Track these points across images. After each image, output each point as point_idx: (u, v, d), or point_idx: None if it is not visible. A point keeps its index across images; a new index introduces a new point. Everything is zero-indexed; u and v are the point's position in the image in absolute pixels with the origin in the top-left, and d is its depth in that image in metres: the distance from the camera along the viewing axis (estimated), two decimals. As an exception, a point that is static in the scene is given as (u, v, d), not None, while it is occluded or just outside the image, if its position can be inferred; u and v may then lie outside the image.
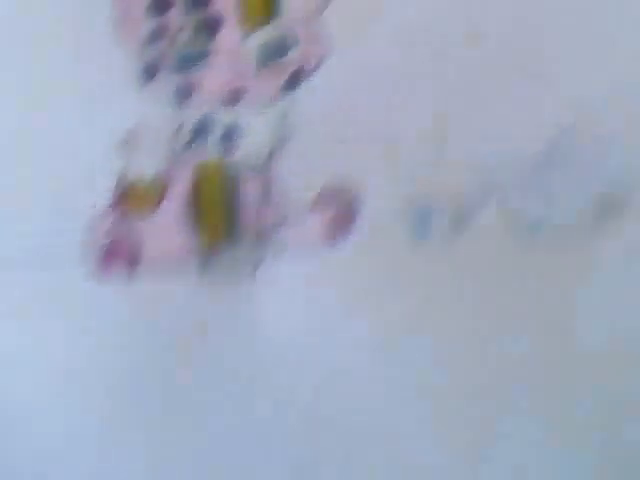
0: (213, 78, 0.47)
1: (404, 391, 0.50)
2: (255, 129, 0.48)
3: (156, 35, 0.46)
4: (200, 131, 0.47)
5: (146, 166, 0.47)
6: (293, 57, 0.47)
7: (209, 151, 0.47)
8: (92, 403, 0.49)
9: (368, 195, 0.49)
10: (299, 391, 0.50)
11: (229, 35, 0.46)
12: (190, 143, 0.47)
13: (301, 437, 0.50)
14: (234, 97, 0.47)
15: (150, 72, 0.46)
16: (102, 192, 0.46)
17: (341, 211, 0.49)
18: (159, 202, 0.47)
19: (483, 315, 0.51)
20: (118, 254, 0.47)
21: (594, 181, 0.50)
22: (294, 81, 0.47)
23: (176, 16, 0.46)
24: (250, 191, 0.48)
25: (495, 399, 0.51)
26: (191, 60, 0.46)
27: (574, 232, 0.50)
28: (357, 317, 0.50)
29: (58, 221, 0.46)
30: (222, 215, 0.48)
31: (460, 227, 0.49)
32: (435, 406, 0.51)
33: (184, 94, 0.47)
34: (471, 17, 0.48)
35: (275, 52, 0.47)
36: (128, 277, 0.47)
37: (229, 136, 0.47)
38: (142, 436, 0.50)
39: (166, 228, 0.47)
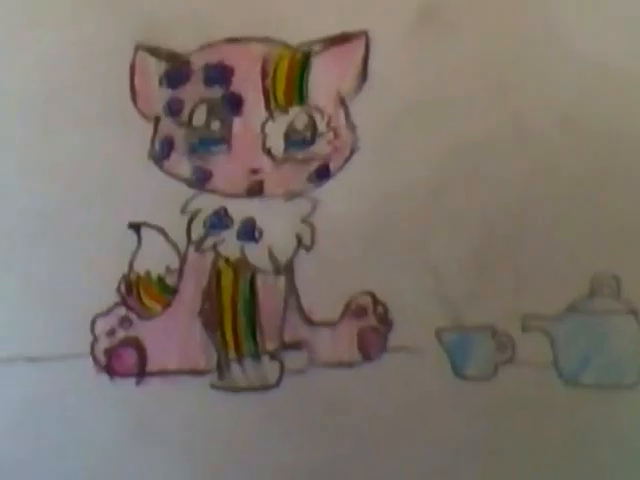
0: (231, 164, 0.42)
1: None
2: (276, 227, 0.43)
3: (171, 109, 0.42)
4: (216, 223, 0.43)
5: (158, 258, 0.43)
6: (319, 149, 0.43)
7: (226, 247, 0.43)
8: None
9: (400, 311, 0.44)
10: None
11: (250, 116, 0.42)
12: (205, 235, 0.43)
13: None
14: (254, 188, 0.43)
15: (165, 149, 0.42)
16: (109, 285, 0.43)
17: (372, 325, 0.44)
18: (170, 301, 0.43)
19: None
20: (125, 356, 0.43)
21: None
22: (319, 177, 0.43)
23: (193, 90, 0.42)
24: (271, 295, 0.44)
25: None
26: (209, 142, 0.42)
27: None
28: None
29: (64, 314, 0.43)
30: (241, 318, 0.44)
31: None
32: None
33: (199, 179, 0.42)
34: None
35: (300, 142, 0.42)
36: (136, 380, 0.44)
37: (247, 231, 0.43)
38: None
39: (178, 329, 0.43)
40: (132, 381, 0.43)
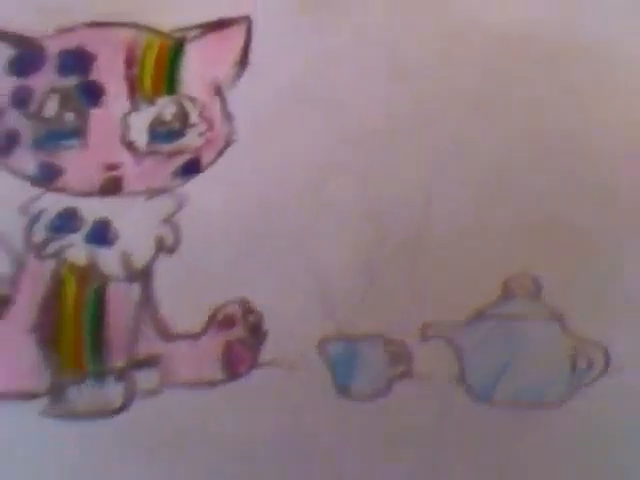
0: (85, 160, 0.37)
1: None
2: (134, 229, 0.38)
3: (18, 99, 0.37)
4: (63, 225, 0.37)
5: None
6: (189, 142, 0.38)
7: (72, 252, 0.37)
8: None
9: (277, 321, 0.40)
10: None
11: (110, 108, 0.37)
12: (49, 239, 0.37)
13: None
14: (110, 186, 0.38)
15: (9, 143, 0.37)
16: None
17: (240, 336, 0.40)
18: (2, 312, 0.37)
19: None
20: None
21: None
22: (187, 172, 0.38)
23: (45, 78, 0.36)
24: (123, 306, 0.38)
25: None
26: (60, 135, 0.37)
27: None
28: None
29: None
30: (85, 334, 0.38)
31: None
32: None
33: (47, 176, 0.37)
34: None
35: (168, 134, 0.38)
36: None
37: (100, 234, 0.38)
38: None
39: (8, 345, 0.37)
40: None
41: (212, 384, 0.39)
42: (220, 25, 0.38)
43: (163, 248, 0.38)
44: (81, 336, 0.38)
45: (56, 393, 0.38)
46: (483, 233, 0.40)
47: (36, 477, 0.39)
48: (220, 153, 0.39)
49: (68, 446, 0.39)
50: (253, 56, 0.38)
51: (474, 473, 0.41)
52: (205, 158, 0.38)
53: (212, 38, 0.38)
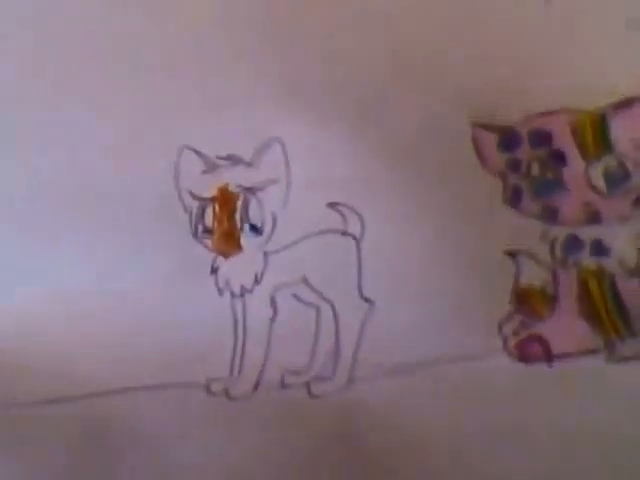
0: (570, 202, 0.55)
1: None
2: (619, 243, 0.55)
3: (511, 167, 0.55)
4: (572, 246, 0.55)
5: (535, 275, 0.57)
6: (635, 183, 0.53)
7: (585, 262, 0.55)
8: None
9: None
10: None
11: (574, 166, 0.54)
12: (566, 256, 0.55)
13: None
14: (592, 218, 0.54)
15: (515, 195, 0.56)
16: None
17: None
18: (554, 305, 0.57)
19: None
20: (533, 348, 0.58)
21: None
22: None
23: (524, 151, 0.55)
24: (631, 292, 0.55)
25: None
26: (547, 186, 0.55)
27: None
28: None
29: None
30: (613, 313, 0.56)
31: None
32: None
33: (549, 215, 0.55)
34: None
35: (617, 180, 0.53)
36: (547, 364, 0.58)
37: (598, 249, 0.55)
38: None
39: (568, 327, 0.57)
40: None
41: None
42: (626, 103, 0.53)
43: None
44: (611, 312, 0.56)
45: (610, 348, 0.57)
46: None
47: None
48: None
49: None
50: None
51: None
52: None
53: (623, 112, 0.53)
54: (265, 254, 0.60)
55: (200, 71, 0.59)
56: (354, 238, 0.59)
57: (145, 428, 0.61)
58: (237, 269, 0.60)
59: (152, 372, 0.60)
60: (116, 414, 0.60)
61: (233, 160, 0.60)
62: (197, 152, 0.60)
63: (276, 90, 0.58)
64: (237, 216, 0.60)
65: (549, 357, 0.57)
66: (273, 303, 0.60)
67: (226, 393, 0.61)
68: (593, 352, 0.56)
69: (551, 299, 0.57)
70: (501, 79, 0.54)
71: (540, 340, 0.57)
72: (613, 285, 0.55)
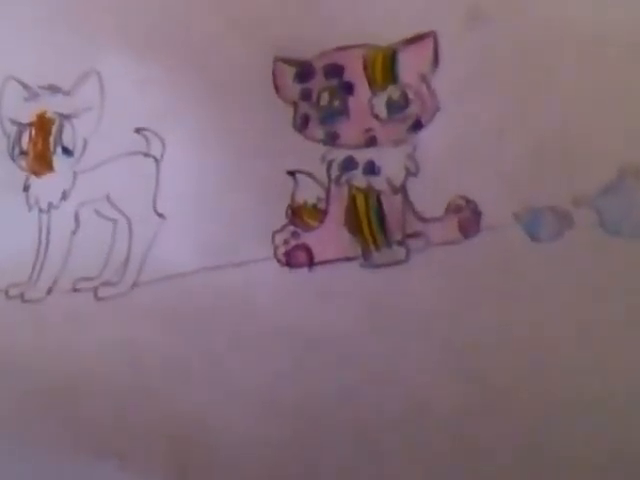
0: (351, 128, 0.62)
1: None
2: (390, 164, 0.61)
3: (303, 96, 0.62)
4: (347, 166, 0.63)
5: (310, 193, 0.64)
6: (412, 111, 0.60)
7: (356, 180, 0.63)
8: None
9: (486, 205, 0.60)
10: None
11: (360, 96, 0.61)
12: (340, 175, 0.63)
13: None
14: (369, 142, 0.61)
15: (303, 122, 0.63)
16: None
17: (467, 216, 0.61)
18: (323, 219, 0.64)
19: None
20: (298, 255, 0.64)
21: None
22: (415, 129, 0.61)
23: (317, 82, 0.62)
24: (393, 207, 0.62)
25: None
26: (333, 114, 0.62)
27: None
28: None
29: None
30: (374, 226, 0.62)
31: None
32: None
33: (331, 139, 0.62)
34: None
35: (398, 108, 0.61)
36: (308, 269, 0.64)
37: (370, 169, 0.61)
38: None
39: (331, 237, 0.64)
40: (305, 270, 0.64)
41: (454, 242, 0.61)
42: (417, 38, 0.60)
43: (409, 170, 0.61)
44: (373, 224, 0.62)
45: (366, 256, 0.63)
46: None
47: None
48: (432, 116, 0.60)
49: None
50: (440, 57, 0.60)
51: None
52: (424, 119, 0.61)
53: (413, 47, 0.60)
54: (74, 174, 0.65)
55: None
56: (155, 159, 0.64)
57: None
58: (47, 187, 0.67)
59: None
60: None
61: (53, 89, 0.66)
62: (20, 82, 0.65)
63: (104, 27, 0.68)
64: (51, 139, 0.65)
65: (310, 263, 0.63)
66: (77, 218, 0.65)
67: (21, 297, 0.65)
68: (351, 259, 0.63)
69: (321, 213, 0.64)
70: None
71: (306, 248, 0.64)
72: (378, 201, 0.62)
